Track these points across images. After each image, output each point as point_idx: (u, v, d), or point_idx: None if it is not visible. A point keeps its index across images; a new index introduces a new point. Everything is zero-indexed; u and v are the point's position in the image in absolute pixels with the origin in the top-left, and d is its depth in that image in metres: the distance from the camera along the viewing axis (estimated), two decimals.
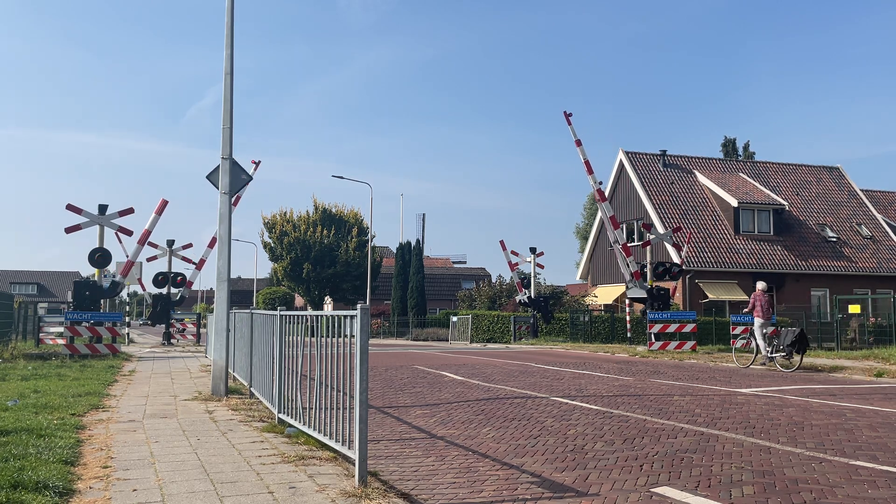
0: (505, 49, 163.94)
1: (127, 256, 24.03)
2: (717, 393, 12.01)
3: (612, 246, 40.94)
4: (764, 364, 17.66)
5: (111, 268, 25.89)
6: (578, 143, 27.02)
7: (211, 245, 30.18)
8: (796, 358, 16.75)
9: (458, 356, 23.25)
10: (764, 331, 17.60)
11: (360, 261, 55.51)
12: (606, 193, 42.57)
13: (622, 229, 40.79)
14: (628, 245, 27.24)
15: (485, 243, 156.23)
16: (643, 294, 25.95)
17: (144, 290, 35.91)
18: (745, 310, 19.11)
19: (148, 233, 26.15)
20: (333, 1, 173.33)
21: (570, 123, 27.15)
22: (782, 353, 16.94)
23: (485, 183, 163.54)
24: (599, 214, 43.20)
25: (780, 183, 42.43)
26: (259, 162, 31.89)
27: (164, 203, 25.48)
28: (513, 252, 39.05)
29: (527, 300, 36.32)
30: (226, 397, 10.90)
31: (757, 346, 17.96)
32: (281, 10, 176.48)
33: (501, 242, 39.17)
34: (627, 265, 26.27)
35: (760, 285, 18.46)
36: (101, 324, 20.63)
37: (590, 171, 27.11)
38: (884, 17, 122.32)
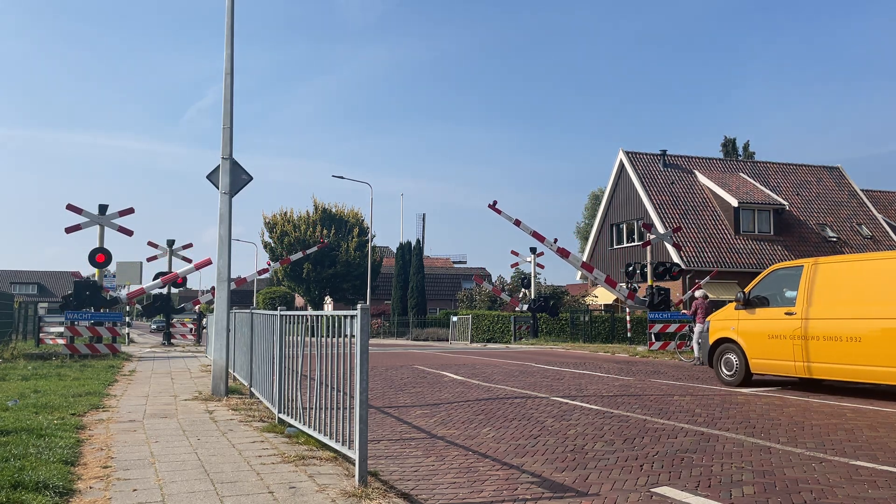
0: (504, 48, 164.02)
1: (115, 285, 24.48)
2: (717, 393, 12.01)
3: (612, 249, 41.09)
4: (702, 363, 18.83)
5: (111, 268, 25.95)
6: (518, 223, 26.84)
7: (239, 283, 31.38)
8: None
9: (458, 356, 23.25)
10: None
11: (360, 261, 55.54)
12: (607, 193, 42.78)
13: (624, 228, 40.92)
14: (610, 280, 27.59)
15: (485, 243, 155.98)
16: (643, 307, 26.12)
17: (134, 304, 36.22)
18: (685, 311, 21.58)
19: (176, 276, 26.93)
20: (332, 1, 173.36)
21: (499, 212, 26.88)
22: None
23: (485, 183, 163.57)
24: (599, 214, 43.25)
25: (780, 183, 42.43)
26: (326, 242, 33.33)
27: (208, 262, 26.12)
28: (513, 252, 39.15)
29: (527, 309, 36.35)
30: (226, 397, 10.90)
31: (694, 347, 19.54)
32: (280, 11, 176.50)
33: (476, 277, 39.96)
34: (618, 293, 26.61)
35: (700, 293, 19.98)
36: (102, 324, 20.63)
37: (541, 239, 27.09)
38: (883, 17, 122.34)
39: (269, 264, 42.08)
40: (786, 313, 12.27)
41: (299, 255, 39.88)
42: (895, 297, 10.74)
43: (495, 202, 26.51)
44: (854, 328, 11.17)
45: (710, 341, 13.96)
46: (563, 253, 26.83)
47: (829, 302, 11.69)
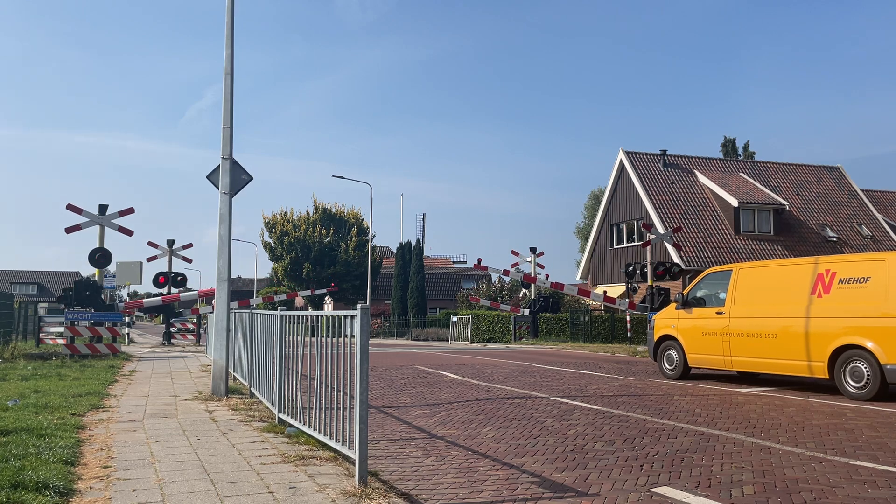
0: (504, 48, 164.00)
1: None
2: (717, 392, 12.01)
3: (612, 249, 41.10)
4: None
5: (111, 268, 26.00)
6: (506, 272, 30.05)
7: (242, 304, 32.05)
8: None
9: (458, 356, 23.26)
10: None
11: (360, 261, 55.55)
12: (607, 193, 42.77)
13: (624, 228, 40.91)
14: (608, 298, 28.68)
15: (485, 243, 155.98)
16: (645, 312, 26.47)
17: (133, 313, 36.49)
18: None
19: (178, 298, 27.29)
20: (332, 1, 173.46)
21: (485, 269, 30.79)
22: None
23: (485, 183, 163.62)
24: (599, 214, 43.25)
25: (780, 183, 42.42)
26: (336, 287, 35.33)
27: (212, 292, 26.73)
28: (513, 252, 39.18)
29: (528, 313, 36.42)
30: (226, 397, 10.90)
31: None
32: (280, 11, 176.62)
33: (472, 297, 40.74)
34: (619, 306, 27.68)
35: None
36: (102, 324, 20.63)
37: (533, 280, 30.50)
38: (883, 17, 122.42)
39: (275, 298, 44.15)
40: (717, 313, 13.42)
41: (308, 292, 41.17)
42: (803, 298, 11.89)
43: (479, 260, 29.44)
44: (771, 325, 12.33)
45: (655, 338, 14.97)
46: (557, 286, 28.60)
47: (752, 302, 12.83)
